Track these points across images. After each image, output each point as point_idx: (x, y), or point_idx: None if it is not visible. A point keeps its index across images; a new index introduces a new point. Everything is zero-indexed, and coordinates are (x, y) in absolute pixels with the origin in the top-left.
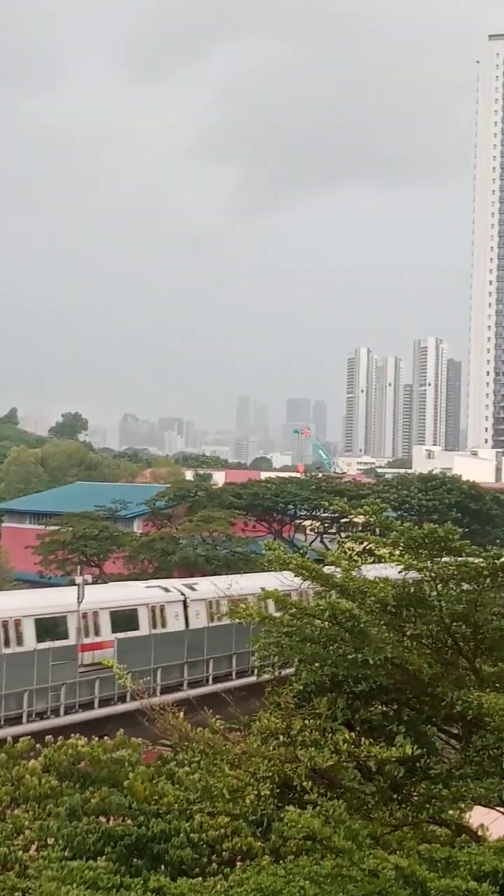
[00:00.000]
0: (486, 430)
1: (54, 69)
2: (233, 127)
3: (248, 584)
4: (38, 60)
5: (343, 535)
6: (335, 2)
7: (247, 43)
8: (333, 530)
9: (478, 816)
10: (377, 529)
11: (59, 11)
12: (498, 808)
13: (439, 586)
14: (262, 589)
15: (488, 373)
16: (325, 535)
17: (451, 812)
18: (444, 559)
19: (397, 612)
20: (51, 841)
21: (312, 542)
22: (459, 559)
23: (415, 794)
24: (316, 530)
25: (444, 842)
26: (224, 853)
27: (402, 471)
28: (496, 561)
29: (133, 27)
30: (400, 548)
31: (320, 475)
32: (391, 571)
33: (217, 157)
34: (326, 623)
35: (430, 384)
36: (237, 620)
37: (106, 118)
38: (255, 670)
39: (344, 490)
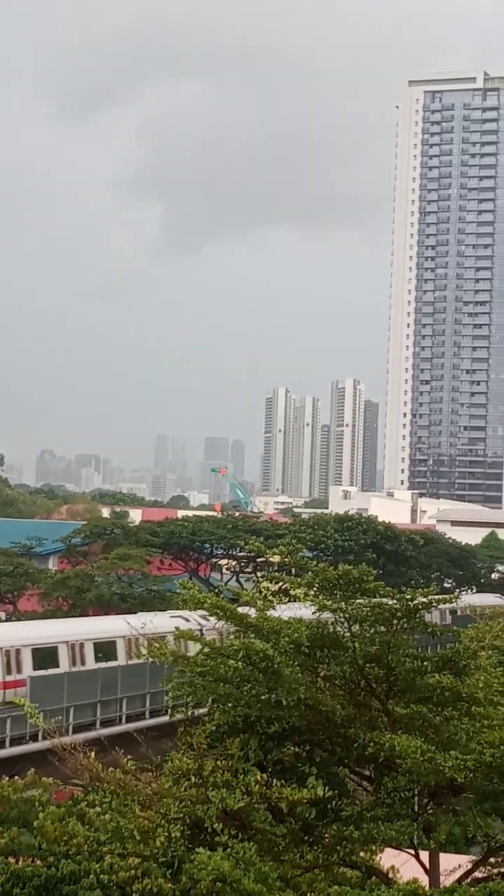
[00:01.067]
0: (403, 471)
1: None
2: (158, 166)
3: (162, 622)
4: None
5: (259, 574)
6: (261, 45)
7: (172, 83)
8: (249, 570)
9: (388, 858)
10: (293, 569)
11: None
12: (408, 850)
13: (353, 627)
14: (177, 628)
15: (405, 414)
16: (241, 575)
17: (361, 854)
18: (358, 600)
19: (311, 653)
20: None
21: (228, 581)
22: (373, 600)
23: (326, 835)
24: (232, 569)
25: (355, 884)
26: (134, 895)
27: (318, 511)
28: (409, 602)
29: (57, 65)
30: (315, 588)
31: (237, 514)
32: (306, 612)
33: (142, 196)
34: (240, 663)
35: (347, 425)
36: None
37: (30, 154)
38: (169, 710)
39: (260, 529)
